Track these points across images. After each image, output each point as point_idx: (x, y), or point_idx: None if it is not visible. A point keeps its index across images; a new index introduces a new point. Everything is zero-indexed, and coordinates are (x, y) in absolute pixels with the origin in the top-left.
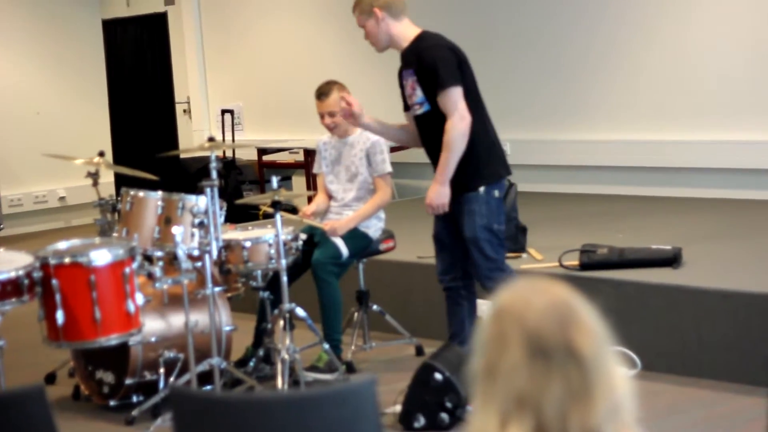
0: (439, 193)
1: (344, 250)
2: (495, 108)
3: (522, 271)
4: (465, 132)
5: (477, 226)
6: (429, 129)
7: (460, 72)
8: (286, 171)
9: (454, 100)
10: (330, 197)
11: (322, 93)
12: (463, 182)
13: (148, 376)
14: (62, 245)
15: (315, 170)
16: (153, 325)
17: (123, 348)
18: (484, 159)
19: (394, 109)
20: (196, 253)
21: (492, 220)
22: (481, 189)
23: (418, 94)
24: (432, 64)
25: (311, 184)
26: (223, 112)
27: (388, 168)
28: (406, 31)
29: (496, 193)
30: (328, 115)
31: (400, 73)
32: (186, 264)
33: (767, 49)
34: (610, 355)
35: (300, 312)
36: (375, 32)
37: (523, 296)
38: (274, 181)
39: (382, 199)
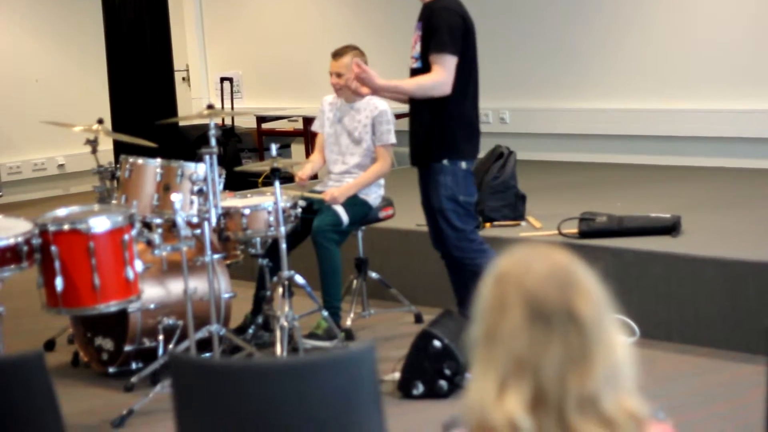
0: (377, 80)
1: (345, 217)
2: (496, 76)
3: (519, 239)
4: (435, 94)
5: (442, 197)
6: None
7: (464, 43)
8: (285, 139)
9: (446, 65)
10: (323, 155)
11: (337, 53)
12: (429, 152)
13: (147, 343)
14: (61, 212)
15: (314, 128)
16: (152, 292)
17: (122, 315)
18: (453, 133)
19: (391, 74)
20: (195, 220)
21: (458, 191)
22: (445, 161)
23: (417, 49)
24: (437, 25)
25: (310, 151)
26: (222, 79)
27: (393, 139)
28: None
29: (463, 164)
30: (336, 75)
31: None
32: (185, 231)
33: (766, 18)
34: (610, 321)
35: (299, 279)
36: None
37: (524, 261)
38: (273, 148)
39: (382, 169)
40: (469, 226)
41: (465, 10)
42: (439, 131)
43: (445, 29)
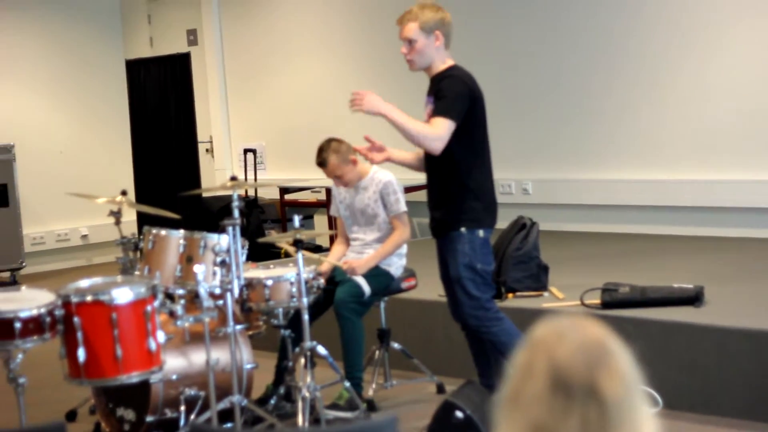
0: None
1: (366, 288)
2: (518, 148)
3: (542, 310)
4: (424, 144)
5: (460, 265)
6: (431, 158)
7: (471, 112)
8: (308, 210)
9: (445, 127)
10: (348, 238)
11: (321, 162)
12: (448, 221)
13: (169, 413)
14: (84, 283)
15: (332, 213)
16: (174, 363)
17: (144, 385)
18: (471, 203)
19: (412, 146)
20: (217, 291)
21: (475, 259)
22: (463, 229)
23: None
24: (444, 93)
25: (333, 223)
26: (246, 151)
27: (403, 207)
28: (446, 63)
29: (481, 233)
30: (336, 178)
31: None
32: (207, 302)
33: None
34: (637, 403)
35: (321, 350)
36: (423, 52)
37: (559, 330)
38: (296, 219)
39: (401, 238)
40: (486, 294)
41: (473, 80)
42: (457, 201)
43: (450, 96)
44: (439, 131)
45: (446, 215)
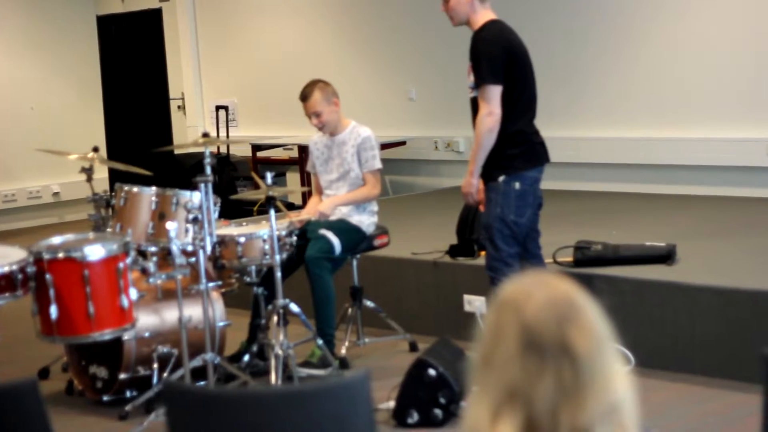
0: (466, 183)
1: (336, 243)
2: None
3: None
4: (492, 127)
5: (492, 215)
6: (475, 113)
7: (510, 68)
8: (280, 167)
9: (488, 96)
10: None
11: (304, 95)
12: (488, 170)
13: (142, 371)
14: (56, 240)
15: (308, 169)
16: (146, 320)
17: (116, 343)
18: (508, 152)
19: (386, 104)
20: (190, 248)
21: (507, 210)
22: (500, 179)
23: (471, 79)
24: (477, 58)
25: (305, 180)
26: (218, 108)
27: (378, 164)
28: (482, 17)
29: (517, 185)
30: (314, 115)
31: None
32: (180, 259)
33: (760, 47)
34: (609, 357)
35: (294, 307)
36: (457, 8)
37: (526, 289)
38: (269, 176)
39: (370, 193)
40: (511, 248)
41: (506, 36)
42: (496, 150)
43: (483, 61)
44: (483, 109)
45: (487, 164)
